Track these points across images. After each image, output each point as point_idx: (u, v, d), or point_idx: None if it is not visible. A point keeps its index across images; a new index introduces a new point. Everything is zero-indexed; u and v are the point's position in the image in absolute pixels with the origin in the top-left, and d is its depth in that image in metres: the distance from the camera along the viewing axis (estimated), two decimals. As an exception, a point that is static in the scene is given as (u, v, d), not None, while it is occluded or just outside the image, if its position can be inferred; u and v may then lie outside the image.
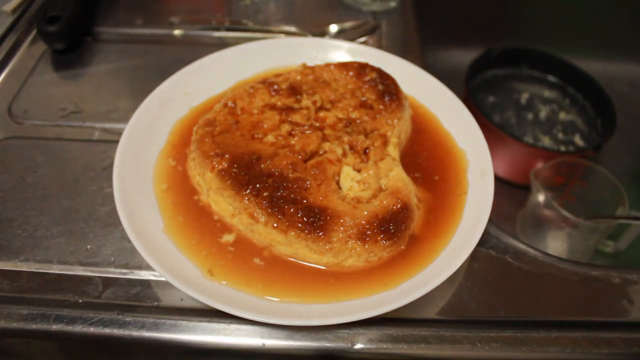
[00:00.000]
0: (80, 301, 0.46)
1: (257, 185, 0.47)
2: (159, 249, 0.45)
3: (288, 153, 0.50)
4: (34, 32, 0.74)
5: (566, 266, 0.50)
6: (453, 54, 1.01)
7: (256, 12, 0.80)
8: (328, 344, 0.44)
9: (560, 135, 0.88)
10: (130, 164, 0.50)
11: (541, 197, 0.71)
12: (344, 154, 0.50)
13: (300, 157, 0.49)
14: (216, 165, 0.49)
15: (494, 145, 0.81)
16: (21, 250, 0.50)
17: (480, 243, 0.51)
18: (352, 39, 0.74)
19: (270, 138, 0.51)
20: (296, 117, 0.54)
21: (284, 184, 0.47)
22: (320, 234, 0.45)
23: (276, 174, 0.48)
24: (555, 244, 0.72)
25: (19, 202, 0.54)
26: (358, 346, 0.44)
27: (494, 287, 0.49)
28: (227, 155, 0.49)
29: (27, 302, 0.46)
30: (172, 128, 0.56)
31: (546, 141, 0.88)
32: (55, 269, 0.49)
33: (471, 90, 0.84)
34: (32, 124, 0.62)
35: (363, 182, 0.49)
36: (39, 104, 0.65)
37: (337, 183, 0.49)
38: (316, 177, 0.48)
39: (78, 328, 0.44)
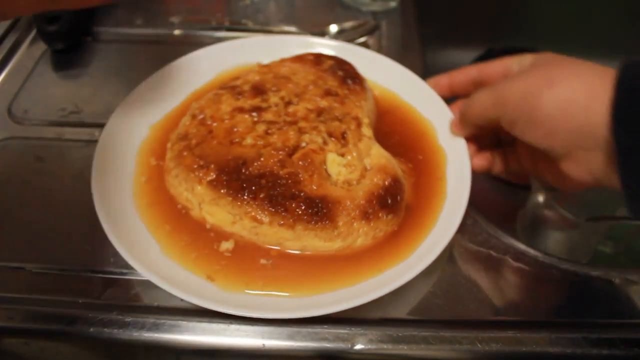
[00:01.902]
0: (79, 301, 0.46)
1: (253, 188, 0.47)
2: (161, 268, 0.45)
3: (272, 151, 0.50)
4: (34, 32, 0.74)
5: (566, 266, 0.50)
6: (453, 53, 1.01)
7: (256, 12, 0.80)
8: (328, 345, 0.44)
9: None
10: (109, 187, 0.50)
11: (541, 197, 0.71)
12: (325, 142, 0.51)
13: (284, 153, 0.50)
14: (204, 177, 0.48)
15: (494, 145, 0.81)
16: (21, 250, 0.50)
17: (481, 243, 0.52)
18: (352, 39, 0.74)
19: (249, 140, 0.51)
20: (268, 116, 0.53)
21: (278, 181, 0.47)
22: (326, 222, 0.46)
23: (267, 173, 0.48)
24: (555, 244, 0.72)
25: (19, 202, 0.54)
26: (358, 347, 0.44)
27: (494, 287, 0.49)
28: (212, 165, 0.49)
29: (27, 302, 0.46)
30: (138, 150, 0.55)
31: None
32: (55, 269, 0.49)
33: (471, 90, 0.84)
34: (32, 124, 0.62)
35: (349, 165, 0.50)
36: (39, 104, 0.65)
37: (326, 171, 0.50)
38: (306, 169, 0.49)
39: (78, 328, 0.44)
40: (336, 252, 0.47)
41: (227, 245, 0.47)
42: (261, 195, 0.47)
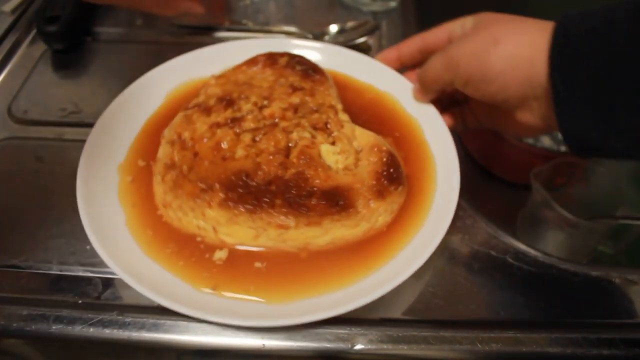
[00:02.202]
0: (79, 301, 0.46)
1: (267, 196, 0.46)
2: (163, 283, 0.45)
3: (269, 157, 0.49)
4: (33, 32, 0.74)
5: (566, 266, 0.50)
6: (453, 54, 1.01)
7: (256, 12, 0.80)
8: (328, 345, 0.44)
9: (561, 135, 0.88)
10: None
11: (541, 197, 0.71)
12: (313, 136, 0.52)
13: (281, 155, 0.50)
14: (212, 200, 0.47)
15: (494, 145, 0.81)
16: (21, 250, 0.50)
17: (481, 243, 0.52)
18: (352, 39, 0.74)
19: (240, 152, 0.50)
20: (247, 124, 0.52)
21: (288, 184, 0.47)
22: (350, 210, 0.47)
23: (274, 179, 0.48)
24: (555, 244, 0.72)
25: (19, 202, 0.54)
26: (358, 347, 0.44)
27: (494, 287, 0.49)
28: (216, 185, 0.47)
29: (27, 302, 0.46)
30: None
31: (546, 141, 0.88)
32: (55, 269, 0.49)
33: (471, 90, 0.84)
34: (32, 124, 0.62)
35: (343, 152, 0.51)
36: (39, 104, 0.65)
37: (324, 162, 0.51)
38: (309, 165, 0.49)
39: (78, 328, 0.44)
40: (362, 236, 0.48)
41: (220, 255, 0.47)
42: (278, 202, 0.46)
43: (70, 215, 0.52)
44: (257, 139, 0.51)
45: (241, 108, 0.54)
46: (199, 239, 0.48)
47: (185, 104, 0.57)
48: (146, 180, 0.52)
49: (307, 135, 0.51)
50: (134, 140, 0.56)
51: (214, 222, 0.47)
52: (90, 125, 0.54)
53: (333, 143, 0.52)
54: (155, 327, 0.45)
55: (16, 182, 0.56)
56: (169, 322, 0.45)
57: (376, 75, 0.62)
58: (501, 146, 0.80)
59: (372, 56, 0.63)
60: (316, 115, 0.54)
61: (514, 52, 0.43)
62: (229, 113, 0.53)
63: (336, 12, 0.80)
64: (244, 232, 0.47)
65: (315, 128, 0.52)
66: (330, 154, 0.51)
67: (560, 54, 0.40)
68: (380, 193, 0.48)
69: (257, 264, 0.46)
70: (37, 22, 0.69)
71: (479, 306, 0.47)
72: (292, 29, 0.75)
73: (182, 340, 0.44)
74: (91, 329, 0.44)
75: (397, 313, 0.46)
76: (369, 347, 0.44)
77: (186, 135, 0.52)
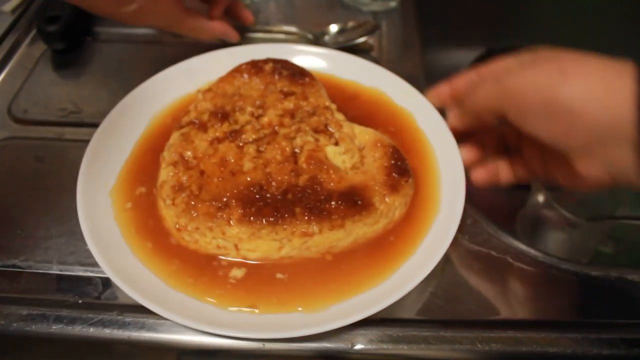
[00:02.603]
0: (80, 301, 0.46)
1: (286, 207, 0.46)
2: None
3: (278, 166, 0.49)
4: (33, 32, 0.74)
5: (566, 266, 0.50)
6: (453, 54, 1.01)
7: (256, 12, 0.80)
8: (328, 345, 0.44)
9: None
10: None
11: (541, 197, 0.71)
12: (317, 139, 0.51)
13: (290, 163, 0.50)
14: (231, 217, 0.46)
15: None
16: (21, 250, 0.50)
17: (481, 243, 0.52)
18: (351, 39, 0.74)
19: (248, 165, 0.49)
20: (248, 136, 0.52)
21: (305, 191, 0.47)
22: (369, 208, 0.47)
23: (289, 187, 0.48)
24: (555, 244, 0.72)
25: (19, 202, 0.54)
26: (358, 346, 0.44)
27: (494, 287, 0.49)
28: (232, 202, 0.47)
29: (27, 302, 0.46)
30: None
31: (546, 141, 0.87)
32: (55, 269, 0.49)
33: (471, 90, 0.84)
34: (32, 124, 0.62)
35: (348, 151, 0.51)
36: (39, 104, 0.65)
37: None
38: (320, 169, 0.49)
39: (78, 328, 0.44)
40: (382, 231, 0.49)
41: (237, 273, 0.46)
42: (298, 210, 0.46)
43: (70, 215, 0.52)
44: (262, 149, 0.51)
45: (238, 120, 0.53)
46: (217, 259, 0.47)
47: (174, 122, 0.56)
48: (146, 206, 0.51)
49: (310, 139, 0.51)
50: (124, 165, 0.54)
51: (235, 240, 0.46)
52: (90, 125, 0.54)
53: (336, 144, 0.52)
54: (155, 327, 0.45)
55: (16, 182, 0.56)
56: (169, 322, 0.45)
57: (360, 71, 0.63)
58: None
59: (373, 56, 0.63)
60: (315, 118, 0.54)
61: (586, 90, 0.38)
62: (226, 127, 0.53)
63: (336, 12, 0.80)
64: (267, 245, 0.46)
65: (316, 131, 0.52)
66: (337, 155, 0.51)
67: None
68: (393, 187, 0.49)
69: (279, 275, 0.46)
70: (37, 22, 0.69)
71: (479, 306, 0.47)
72: (292, 28, 0.75)
73: (182, 340, 0.44)
74: (91, 329, 0.44)
75: (397, 313, 0.46)
76: (369, 347, 0.44)
77: (188, 154, 0.51)
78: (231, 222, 0.46)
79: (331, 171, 0.49)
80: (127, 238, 0.48)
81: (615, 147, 0.38)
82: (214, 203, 0.47)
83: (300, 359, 0.45)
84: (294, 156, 0.50)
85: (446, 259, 0.50)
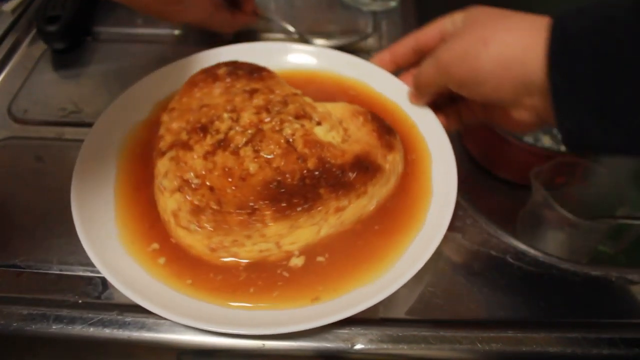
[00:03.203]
0: (80, 301, 0.46)
1: (311, 191, 0.47)
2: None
3: (283, 158, 0.49)
4: (33, 32, 0.74)
5: (566, 266, 0.50)
6: (453, 53, 1.01)
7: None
8: (328, 344, 0.44)
9: (558, 132, 0.88)
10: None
11: (541, 197, 0.71)
12: (302, 124, 0.52)
13: (292, 151, 0.50)
14: (265, 217, 0.46)
15: (494, 145, 0.81)
16: (21, 250, 0.50)
17: (481, 243, 0.52)
18: (351, 38, 0.74)
19: (253, 167, 0.49)
20: (238, 140, 0.51)
21: (319, 172, 0.48)
22: (380, 170, 0.50)
23: (303, 174, 0.48)
24: (555, 244, 0.72)
25: (19, 202, 0.54)
26: (358, 346, 0.44)
27: (494, 287, 0.49)
28: (260, 204, 0.46)
29: (27, 302, 0.46)
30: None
31: (546, 141, 0.87)
32: (55, 269, 0.49)
33: (471, 90, 0.84)
34: (32, 124, 0.62)
35: (333, 128, 0.53)
36: (39, 104, 0.65)
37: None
38: (321, 149, 0.50)
39: (78, 328, 0.44)
40: (394, 188, 0.52)
41: (296, 261, 0.47)
42: (322, 191, 0.47)
43: (70, 215, 0.52)
44: (257, 148, 0.50)
45: (219, 129, 0.52)
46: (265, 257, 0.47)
47: (146, 152, 0.54)
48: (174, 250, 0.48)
49: (297, 126, 0.52)
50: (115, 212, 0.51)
51: (276, 238, 0.46)
52: (90, 125, 0.54)
53: (319, 124, 0.53)
54: (155, 327, 0.45)
55: (16, 182, 0.56)
56: (169, 322, 0.45)
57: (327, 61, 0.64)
58: (501, 146, 0.80)
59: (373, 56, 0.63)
60: (291, 107, 0.54)
61: (504, 52, 0.43)
62: (210, 139, 0.51)
63: (336, 12, 0.80)
64: (308, 232, 0.47)
65: (297, 117, 0.53)
66: (326, 134, 0.52)
67: (559, 52, 0.40)
68: (389, 146, 0.52)
69: (319, 258, 0.47)
70: (37, 21, 0.69)
71: (479, 306, 0.47)
72: (292, 28, 0.75)
73: (182, 340, 0.44)
74: (91, 329, 0.44)
75: (397, 313, 0.46)
76: (369, 346, 0.44)
77: (189, 176, 0.48)
78: (267, 222, 0.46)
79: (331, 148, 0.50)
80: (161, 270, 0.46)
81: (537, 96, 0.43)
82: (241, 211, 0.46)
83: (300, 358, 0.45)
84: (291, 145, 0.51)
85: (446, 259, 0.50)
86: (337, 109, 0.56)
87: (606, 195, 0.72)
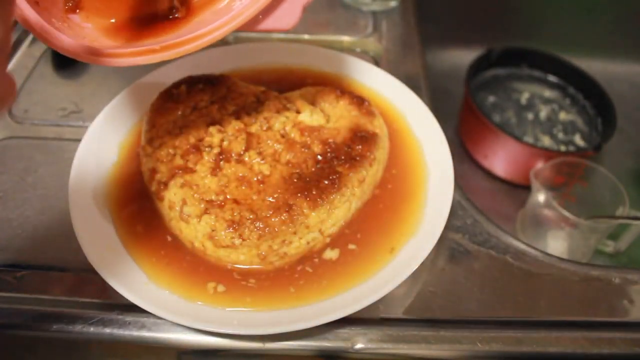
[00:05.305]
0: (80, 301, 0.46)
1: (332, 172, 0.49)
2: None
3: (288, 153, 0.50)
4: (34, 32, 0.74)
5: (566, 266, 0.50)
6: (453, 54, 1.01)
7: (256, 12, 0.80)
8: (328, 344, 0.44)
9: (561, 135, 0.88)
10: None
11: (541, 197, 0.71)
12: (287, 117, 0.53)
13: (293, 144, 0.51)
14: (301, 212, 0.46)
15: (494, 145, 0.81)
16: (21, 250, 0.50)
17: (481, 243, 0.52)
18: (352, 39, 0.74)
19: (265, 168, 0.49)
20: (237, 148, 0.50)
21: (328, 154, 0.50)
22: (375, 136, 0.53)
23: (317, 160, 0.50)
24: (555, 244, 0.72)
25: (19, 202, 0.54)
26: (358, 346, 0.44)
27: (494, 287, 0.49)
28: (293, 199, 0.47)
29: (27, 302, 0.46)
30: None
31: (546, 141, 0.88)
32: (55, 269, 0.49)
33: (471, 90, 0.84)
34: (32, 124, 0.62)
35: (313, 112, 0.54)
36: (39, 104, 0.65)
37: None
38: (318, 133, 0.52)
39: (78, 328, 0.44)
40: (390, 154, 0.55)
41: (332, 254, 0.48)
42: (340, 169, 0.49)
43: (70, 215, 0.52)
44: (260, 150, 0.50)
45: (212, 144, 0.51)
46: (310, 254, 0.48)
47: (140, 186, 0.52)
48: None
49: (283, 119, 0.52)
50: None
51: (319, 225, 0.47)
52: (90, 125, 0.54)
53: (298, 112, 0.54)
54: (155, 327, 0.45)
55: (16, 182, 0.56)
56: (169, 322, 0.45)
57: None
58: (501, 146, 0.81)
59: (373, 56, 0.63)
60: (267, 103, 0.54)
61: None
62: (207, 156, 0.50)
63: (336, 12, 0.80)
64: (343, 210, 0.49)
65: (279, 111, 0.53)
66: (312, 119, 0.53)
67: None
68: (370, 113, 0.55)
69: (351, 246, 0.48)
70: (37, 22, 0.69)
71: (479, 306, 0.47)
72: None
73: (182, 340, 0.44)
74: (91, 329, 0.44)
75: (397, 313, 0.46)
76: (369, 346, 0.44)
77: (211, 196, 0.47)
78: (306, 213, 0.46)
79: (325, 130, 0.52)
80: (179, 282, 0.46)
81: None
82: (278, 212, 0.46)
83: (300, 358, 0.45)
84: (288, 138, 0.51)
85: (446, 259, 0.50)
86: (305, 94, 0.57)
87: (606, 195, 0.72)
